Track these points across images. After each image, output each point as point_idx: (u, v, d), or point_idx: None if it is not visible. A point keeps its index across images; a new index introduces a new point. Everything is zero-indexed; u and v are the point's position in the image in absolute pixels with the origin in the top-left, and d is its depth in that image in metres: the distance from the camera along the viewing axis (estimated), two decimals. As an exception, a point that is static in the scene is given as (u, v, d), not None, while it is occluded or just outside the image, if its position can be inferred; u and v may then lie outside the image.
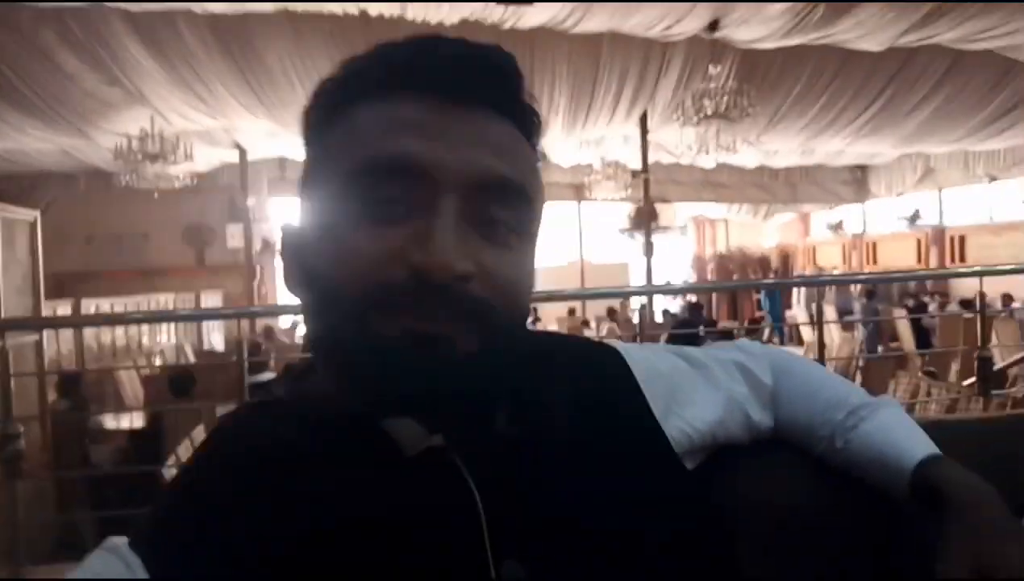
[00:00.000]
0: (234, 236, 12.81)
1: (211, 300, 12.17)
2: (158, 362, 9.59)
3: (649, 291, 4.94)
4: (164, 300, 10.34)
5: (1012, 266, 6.93)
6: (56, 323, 5.75)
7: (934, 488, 0.64)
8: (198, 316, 8.76)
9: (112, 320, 7.42)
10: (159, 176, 8.81)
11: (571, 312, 12.28)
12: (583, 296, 8.44)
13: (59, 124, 6.91)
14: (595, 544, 0.52)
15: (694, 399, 0.70)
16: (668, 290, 6.85)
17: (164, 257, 11.66)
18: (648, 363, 0.69)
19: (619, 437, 0.61)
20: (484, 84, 0.53)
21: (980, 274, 2.99)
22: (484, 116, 0.53)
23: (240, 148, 10.05)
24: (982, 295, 3.15)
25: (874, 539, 0.71)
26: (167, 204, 10.35)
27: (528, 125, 0.56)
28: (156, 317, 8.47)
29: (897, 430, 0.70)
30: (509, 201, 0.52)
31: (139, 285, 10.39)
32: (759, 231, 17.99)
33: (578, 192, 13.61)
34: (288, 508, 0.50)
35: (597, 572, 0.51)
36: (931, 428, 0.75)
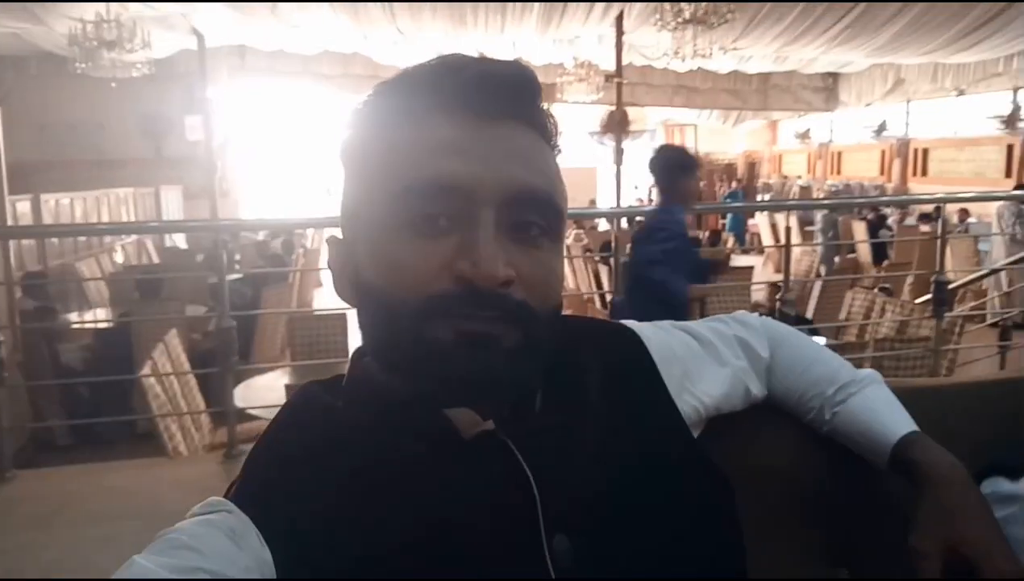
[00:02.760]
0: (193, 128, 12.42)
1: (170, 194, 11.92)
2: (119, 258, 9.46)
3: (619, 214, 4.97)
4: (123, 194, 10.12)
5: (972, 194, 7.10)
6: (20, 234, 5.67)
7: (912, 465, 0.72)
8: (164, 229, 8.62)
9: (77, 231, 7.30)
10: (116, 63, 8.45)
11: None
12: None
13: (10, 5, 6.55)
14: (626, 515, 0.59)
15: (704, 376, 0.77)
16: (635, 212, 6.77)
17: (121, 148, 11.28)
18: (663, 345, 0.75)
19: (642, 416, 0.67)
20: (509, 100, 0.57)
21: (942, 201, 3.07)
22: (512, 129, 0.57)
23: (198, 34, 9.61)
24: (943, 222, 3.25)
25: (853, 498, 0.79)
26: (123, 93, 9.96)
27: (548, 131, 0.61)
28: (123, 229, 8.38)
29: (881, 407, 0.78)
30: (539, 208, 0.57)
31: (95, 177, 10.08)
32: (728, 138, 17.97)
33: (548, 93, 13.35)
34: (362, 480, 0.55)
35: (630, 541, 0.58)
36: (903, 394, 0.82)
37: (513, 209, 0.55)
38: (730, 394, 0.79)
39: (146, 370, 3.31)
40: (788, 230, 3.23)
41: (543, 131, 0.60)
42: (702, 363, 0.77)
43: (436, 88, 0.57)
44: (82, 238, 9.21)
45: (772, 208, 10.72)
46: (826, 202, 9.91)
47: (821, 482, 0.80)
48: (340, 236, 0.63)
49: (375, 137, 0.59)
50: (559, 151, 0.63)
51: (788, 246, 3.19)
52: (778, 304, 3.11)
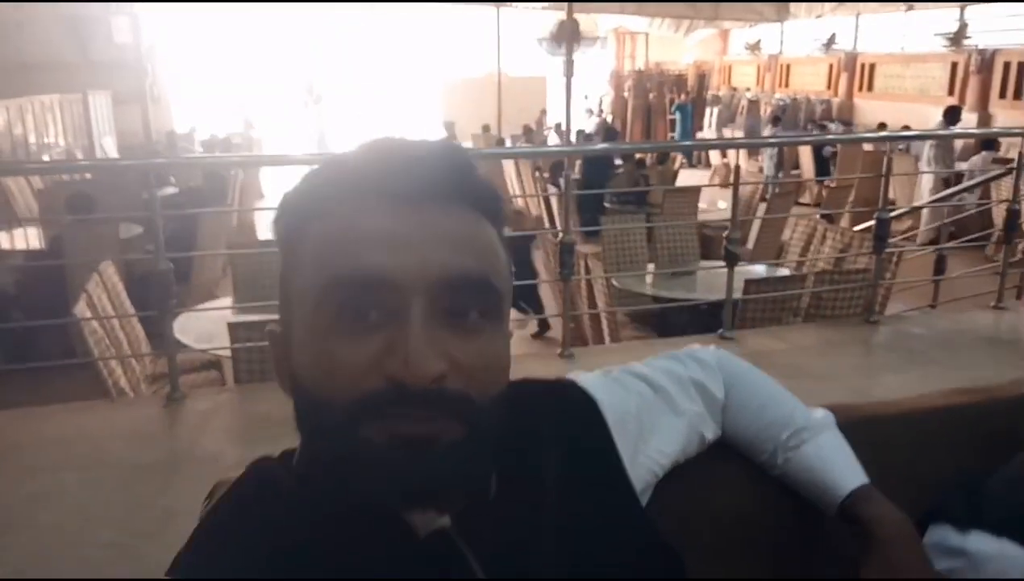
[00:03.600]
0: (121, 30, 11.73)
1: (99, 100, 11.33)
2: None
3: (575, 152, 4.87)
4: (48, 101, 9.57)
5: (915, 133, 7.22)
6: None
7: (860, 520, 0.74)
8: (103, 167, 7.85)
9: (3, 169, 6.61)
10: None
11: (485, 129, 12.07)
12: (514, 154, 8.08)
13: None
14: None
15: (658, 429, 0.76)
16: (594, 150, 6.34)
17: (44, 51, 10.59)
18: (617, 405, 0.73)
19: (595, 494, 0.66)
20: (439, 182, 0.55)
21: (887, 139, 3.10)
22: (443, 212, 0.55)
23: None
24: (889, 161, 3.28)
25: (801, 540, 0.81)
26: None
27: (486, 205, 0.58)
28: (61, 168, 7.65)
29: (832, 456, 0.79)
30: (475, 291, 0.54)
31: (18, 82, 9.47)
32: (678, 47, 17.71)
33: (498, -5, 12.92)
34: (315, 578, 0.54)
35: None
36: (854, 422, 0.83)
37: (447, 296, 0.53)
38: (686, 446, 0.79)
39: (81, 304, 3.20)
40: (737, 168, 3.22)
41: (481, 207, 0.58)
42: (657, 415, 0.77)
43: (363, 175, 0.55)
44: (6, 146, 8.76)
45: (727, 146, 10.58)
46: (773, 141, 9.92)
47: (770, 522, 0.82)
48: (278, 326, 0.61)
49: (304, 226, 0.57)
50: (504, 221, 0.61)
51: (736, 184, 3.19)
52: (724, 243, 3.13)
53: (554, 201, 6.53)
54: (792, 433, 0.81)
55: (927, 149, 7.88)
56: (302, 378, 0.55)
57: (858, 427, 0.81)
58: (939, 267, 4.39)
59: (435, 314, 0.52)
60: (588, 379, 0.76)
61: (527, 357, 3.10)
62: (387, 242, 0.53)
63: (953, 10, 11.57)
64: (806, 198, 10.19)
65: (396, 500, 0.53)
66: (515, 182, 8.05)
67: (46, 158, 8.99)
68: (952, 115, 7.94)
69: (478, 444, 0.53)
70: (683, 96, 16.74)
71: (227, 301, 4.37)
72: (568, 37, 9.68)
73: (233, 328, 2.98)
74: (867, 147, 9.62)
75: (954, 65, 11.53)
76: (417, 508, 0.55)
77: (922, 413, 0.91)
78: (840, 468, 0.78)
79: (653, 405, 0.77)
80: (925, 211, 7.11)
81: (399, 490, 0.52)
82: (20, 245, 5.85)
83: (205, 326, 3.71)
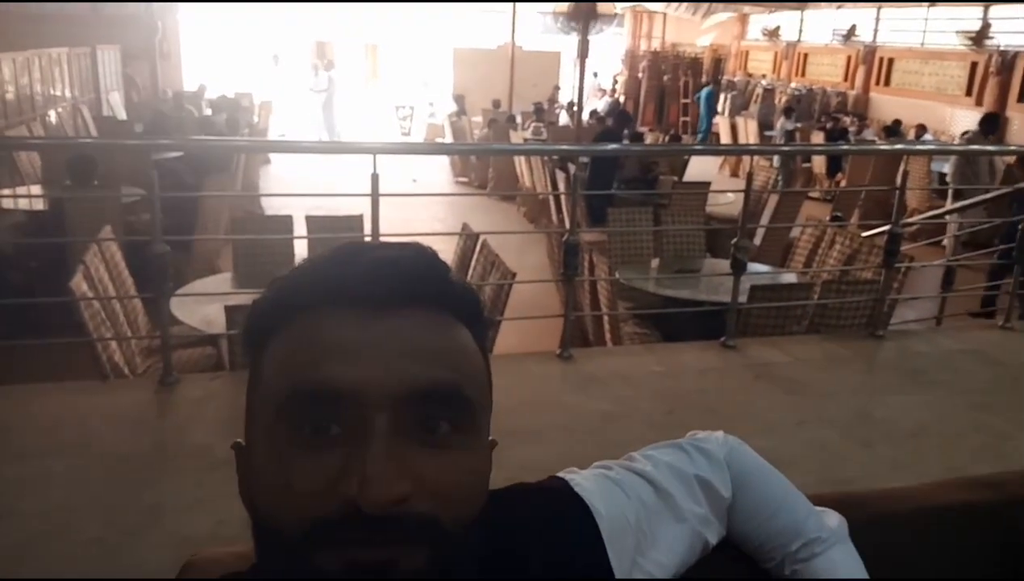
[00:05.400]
0: (133, -17, 11.59)
1: (108, 55, 11.22)
2: (53, 119, 8.94)
3: (586, 151, 4.79)
4: (55, 54, 9.45)
5: (933, 147, 7.05)
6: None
7: None
8: (105, 145, 7.47)
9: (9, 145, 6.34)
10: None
11: (496, 104, 11.93)
12: (526, 152, 7.83)
13: None
14: None
15: (659, 539, 0.71)
16: (606, 152, 5.94)
17: (54, 2, 10.44)
18: (616, 513, 0.69)
19: None
20: (407, 285, 0.52)
21: (905, 152, 3.03)
22: (411, 317, 0.51)
23: None
24: (904, 174, 3.22)
25: None
26: (53, -59, 9.14)
27: (461, 306, 0.55)
28: (56, 141, 7.41)
29: (844, 573, 0.75)
30: (444, 403, 0.50)
31: (27, 34, 9.34)
32: (695, 29, 17.47)
33: (516, -29, 12.72)
34: None
35: None
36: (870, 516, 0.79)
37: (414, 408, 0.49)
38: (686, 556, 0.74)
39: (78, 277, 3.16)
40: (750, 175, 3.15)
41: (456, 310, 0.54)
42: (658, 523, 0.72)
43: (328, 281, 0.52)
44: (11, 98, 8.66)
45: (740, 152, 10.40)
46: (786, 149, 9.77)
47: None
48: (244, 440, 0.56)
49: (267, 336, 0.53)
50: (484, 323, 0.57)
51: (748, 191, 3.13)
52: (732, 250, 3.08)
53: (561, 185, 6.46)
54: (803, 544, 0.76)
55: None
56: (259, 497, 0.51)
57: (871, 525, 0.77)
58: (948, 278, 4.34)
59: (401, 428, 0.48)
60: (585, 483, 0.71)
61: (525, 357, 3.06)
62: (350, 352, 0.49)
63: (976, 8, 11.37)
64: (816, 192, 10.10)
65: None
66: (523, 164, 7.96)
67: (51, 112, 8.89)
68: (990, 124, 7.40)
69: (443, 571, 0.49)
70: (705, 80, 16.51)
71: (227, 276, 4.34)
72: (584, 17, 9.53)
73: (230, 311, 2.94)
74: (883, 147, 9.50)
75: (974, 65, 11.36)
76: None
77: (938, 510, 0.87)
78: None
79: (654, 512, 0.72)
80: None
81: None
82: (23, 204, 5.80)
83: (203, 301, 3.68)
